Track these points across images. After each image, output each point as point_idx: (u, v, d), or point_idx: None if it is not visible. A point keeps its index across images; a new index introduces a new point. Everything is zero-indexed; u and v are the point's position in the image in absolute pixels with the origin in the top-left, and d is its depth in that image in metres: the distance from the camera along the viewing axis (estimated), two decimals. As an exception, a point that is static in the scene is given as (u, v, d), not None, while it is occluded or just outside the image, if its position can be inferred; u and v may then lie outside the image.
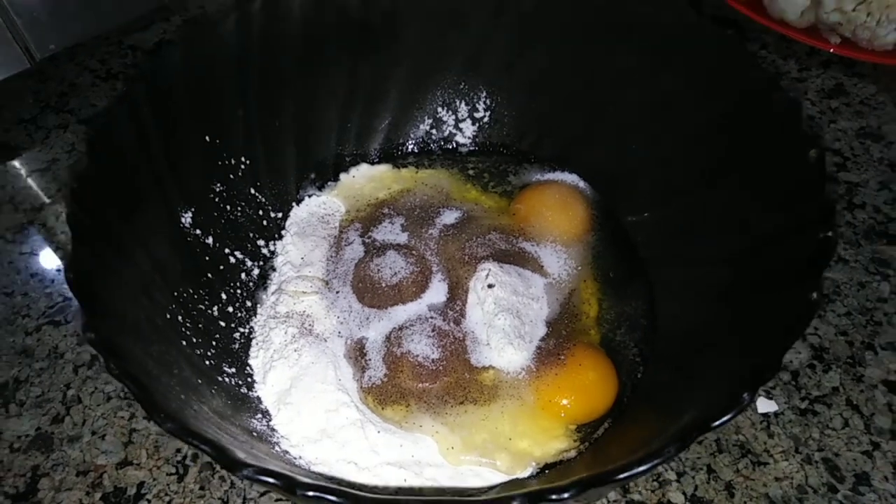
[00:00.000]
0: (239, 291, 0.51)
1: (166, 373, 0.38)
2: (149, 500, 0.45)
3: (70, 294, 0.57)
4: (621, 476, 0.27)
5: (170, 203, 0.47)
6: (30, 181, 0.66)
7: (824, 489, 0.45)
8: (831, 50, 0.70)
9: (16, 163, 0.68)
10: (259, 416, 0.45)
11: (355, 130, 0.60)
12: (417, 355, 0.46)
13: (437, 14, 0.56)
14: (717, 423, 0.29)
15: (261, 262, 0.54)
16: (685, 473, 0.46)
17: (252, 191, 0.55)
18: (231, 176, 0.53)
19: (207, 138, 0.50)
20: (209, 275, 0.49)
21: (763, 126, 0.42)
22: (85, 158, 0.39)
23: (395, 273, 0.50)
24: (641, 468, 0.27)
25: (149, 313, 0.41)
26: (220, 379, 0.44)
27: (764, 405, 0.49)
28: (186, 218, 0.48)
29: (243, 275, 0.53)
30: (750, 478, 0.46)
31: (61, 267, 0.59)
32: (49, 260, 0.60)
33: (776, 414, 0.49)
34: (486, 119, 0.62)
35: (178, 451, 0.48)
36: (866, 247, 0.58)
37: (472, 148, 0.62)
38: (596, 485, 0.27)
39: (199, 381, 0.41)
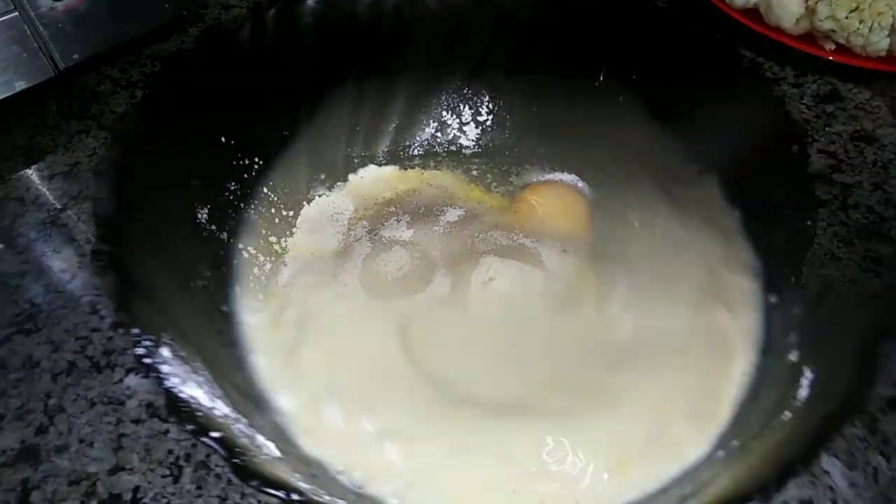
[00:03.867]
0: (252, 284, 0.53)
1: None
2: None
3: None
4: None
5: (187, 199, 0.49)
6: (53, 183, 0.69)
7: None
8: (829, 57, 0.71)
9: (40, 166, 0.71)
10: (273, 394, 0.47)
11: (363, 133, 0.62)
12: (421, 344, 0.49)
13: (442, 25, 0.58)
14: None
15: (272, 258, 0.56)
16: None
17: (265, 190, 0.57)
18: (245, 175, 0.55)
19: (223, 139, 0.53)
20: (223, 268, 0.52)
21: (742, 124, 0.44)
22: (109, 152, 0.42)
23: (401, 267, 0.53)
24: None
25: (169, 299, 0.43)
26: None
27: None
28: (203, 214, 0.51)
29: (256, 269, 0.55)
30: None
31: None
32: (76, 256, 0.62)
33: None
34: (488, 123, 0.64)
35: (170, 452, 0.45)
36: (859, 245, 0.60)
37: (475, 150, 0.64)
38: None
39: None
